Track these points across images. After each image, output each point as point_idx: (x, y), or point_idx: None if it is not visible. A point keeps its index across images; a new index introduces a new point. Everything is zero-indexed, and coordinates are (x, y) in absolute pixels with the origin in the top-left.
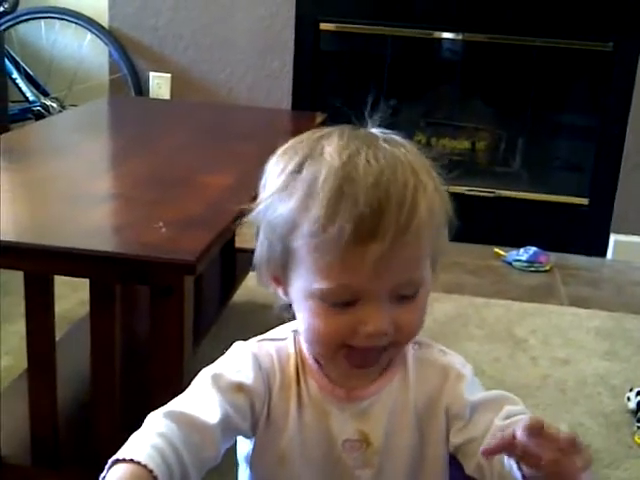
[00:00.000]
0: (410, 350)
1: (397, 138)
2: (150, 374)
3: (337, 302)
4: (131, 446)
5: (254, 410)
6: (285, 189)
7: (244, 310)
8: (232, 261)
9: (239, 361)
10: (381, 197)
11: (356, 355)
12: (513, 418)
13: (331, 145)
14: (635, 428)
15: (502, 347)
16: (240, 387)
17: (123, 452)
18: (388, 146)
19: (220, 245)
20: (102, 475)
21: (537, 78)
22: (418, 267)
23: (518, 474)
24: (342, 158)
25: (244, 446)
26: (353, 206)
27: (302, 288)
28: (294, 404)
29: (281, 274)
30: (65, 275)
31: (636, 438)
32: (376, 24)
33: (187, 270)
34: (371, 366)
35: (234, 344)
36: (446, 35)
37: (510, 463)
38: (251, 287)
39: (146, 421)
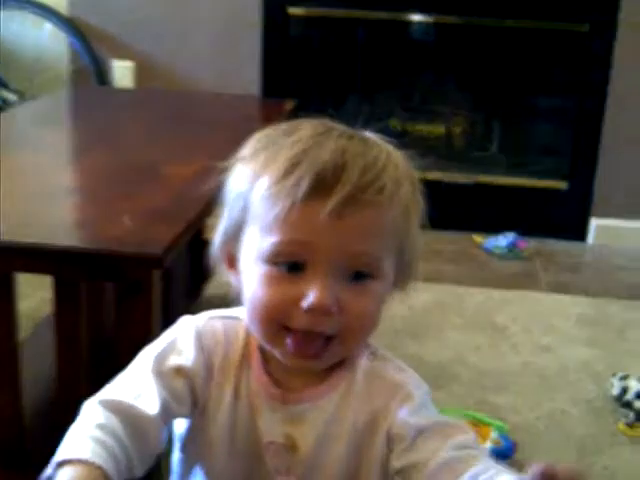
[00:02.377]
0: (363, 360)
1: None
2: (117, 371)
3: (285, 262)
4: (74, 442)
5: (195, 393)
6: (253, 155)
7: (215, 304)
8: (201, 254)
9: (181, 340)
10: (347, 160)
11: (297, 339)
12: (465, 451)
13: (310, 123)
14: (619, 415)
15: (483, 335)
16: (179, 371)
17: (67, 451)
18: (370, 135)
19: (188, 237)
20: (45, 475)
21: (512, 60)
22: (375, 243)
23: None
24: (317, 130)
25: (179, 427)
26: (316, 161)
27: (253, 251)
28: (230, 392)
29: (234, 246)
30: (27, 272)
31: (620, 424)
32: (346, 7)
33: (154, 264)
34: (312, 357)
35: (181, 318)
36: (417, 17)
37: None
38: (222, 281)
39: (83, 412)
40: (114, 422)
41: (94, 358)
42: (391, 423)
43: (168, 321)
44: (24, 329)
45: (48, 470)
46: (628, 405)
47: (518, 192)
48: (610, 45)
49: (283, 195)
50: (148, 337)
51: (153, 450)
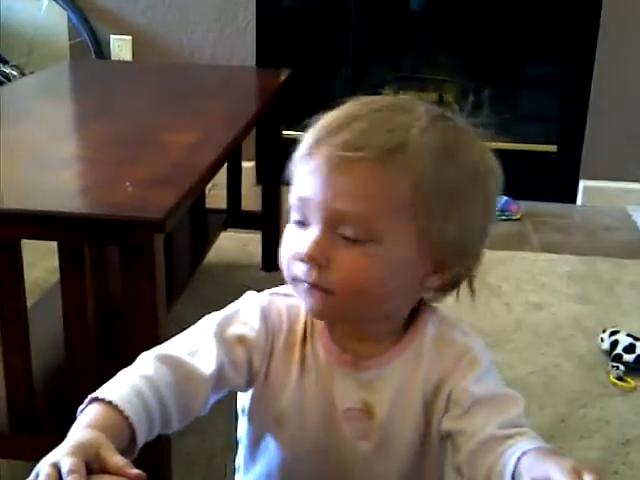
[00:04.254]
0: (430, 325)
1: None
2: (124, 335)
3: (296, 220)
4: (114, 385)
5: (251, 365)
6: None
7: (217, 271)
8: (203, 222)
9: (246, 311)
10: (351, 122)
11: (302, 291)
12: (512, 430)
13: (367, 97)
14: (609, 368)
15: (476, 294)
16: (242, 340)
17: (103, 390)
18: (419, 106)
19: (189, 203)
20: (80, 408)
21: (500, 26)
22: (363, 204)
23: None
24: (361, 100)
25: (243, 398)
26: (324, 125)
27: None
28: (296, 366)
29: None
30: (32, 238)
31: (610, 377)
32: None
33: (156, 227)
34: (318, 311)
35: (246, 293)
36: None
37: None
38: (224, 247)
39: (137, 360)
40: (164, 376)
41: (101, 321)
42: (454, 386)
43: (171, 286)
44: (34, 297)
45: (84, 404)
46: (618, 358)
47: (509, 156)
48: (597, 8)
49: (298, 160)
50: (152, 300)
51: (195, 410)
